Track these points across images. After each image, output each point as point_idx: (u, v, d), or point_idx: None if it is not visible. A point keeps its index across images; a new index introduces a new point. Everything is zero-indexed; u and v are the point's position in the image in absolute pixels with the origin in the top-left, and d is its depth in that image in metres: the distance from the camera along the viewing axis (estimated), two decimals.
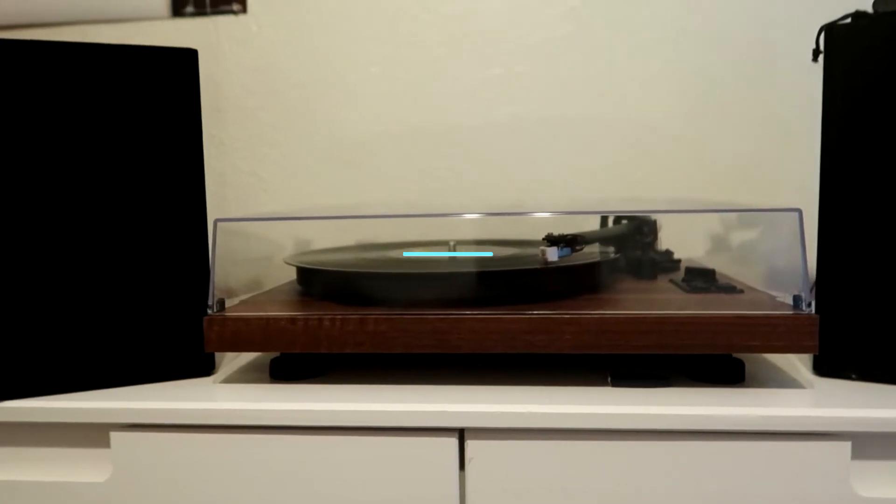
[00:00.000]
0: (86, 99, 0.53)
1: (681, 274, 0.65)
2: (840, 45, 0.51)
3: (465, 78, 0.87)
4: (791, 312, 0.49)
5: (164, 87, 0.55)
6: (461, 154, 0.88)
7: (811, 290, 0.51)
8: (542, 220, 0.72)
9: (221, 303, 0.54)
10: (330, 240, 0.82)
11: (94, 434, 0.52)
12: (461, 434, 0.48)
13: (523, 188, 0.88)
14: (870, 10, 0.51)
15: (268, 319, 0.52)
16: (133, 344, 0.55)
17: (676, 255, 0.71)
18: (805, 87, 0.82)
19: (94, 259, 0.54)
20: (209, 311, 0.53)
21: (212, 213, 0.92)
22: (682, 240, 0.78)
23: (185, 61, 0.55)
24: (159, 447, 0.50)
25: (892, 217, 0.50)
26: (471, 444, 0.48)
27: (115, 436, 0.50)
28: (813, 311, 0.49)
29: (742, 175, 0.84)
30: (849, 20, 0.51)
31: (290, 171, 0.91)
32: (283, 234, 0.87)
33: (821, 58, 0.52)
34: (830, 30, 0.51)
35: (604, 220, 0.73)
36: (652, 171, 0.85)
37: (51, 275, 0.52)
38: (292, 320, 0.51)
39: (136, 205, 0.54)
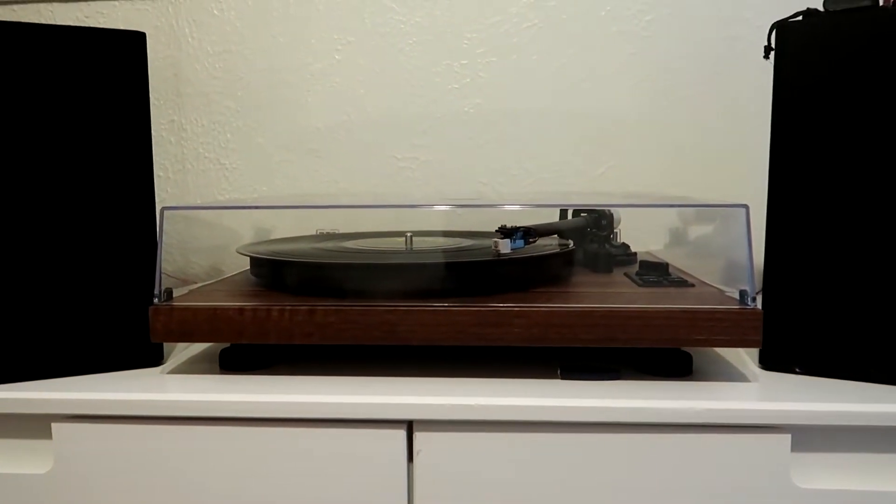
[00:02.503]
0: (26, 81, 0.51)
1: (636, 268, 0.65)
2: (791, 42, 0.51)
3: (429, 68, 0.87)
4: (736, 307, 0.49)
5: (111, 71, 0.53)
6: (425, 144, 0.88)
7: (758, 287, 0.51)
8: (502, 212, 0.72)
9: (169, 292, 0.53)
10: (291, 229, 0.82)
11: (35, 425, 0.51)
12: (410, 426, 0.48)
13: (487, 180, 0.87)
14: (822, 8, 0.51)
15: (215, 309, 0.51)
16: (79, 333, 0.54)
17: (635, 249, 0.72)
18: (769, 82, 0.82)
19: (36, 246, 0.52)
20: (155, 301, 0.52)
21: (172, 201, 0.91)
22: (642, 234, 0.78)
23: (132, 44, 0.54)
24: (103, 438, 0.49)
25: (838, 215, 0.51)
26: (419, 437, 0.48)
27: (56, 427, 0.49)
28: (759, 307, 0.49)
29: (705, 170, 0.85)
30: (800, 18, 0.51)
31: (253, 158, 0.90)
32: (243, 223, 0.85)
33: (773, 55, 0.53)
34: (782, 27, 0.52)
35: (563, 212, 0.73)
36: (615, 164, 0.86)
37: None
38: (240, 310, 0.51)
39: (82, 191, 0.53)
